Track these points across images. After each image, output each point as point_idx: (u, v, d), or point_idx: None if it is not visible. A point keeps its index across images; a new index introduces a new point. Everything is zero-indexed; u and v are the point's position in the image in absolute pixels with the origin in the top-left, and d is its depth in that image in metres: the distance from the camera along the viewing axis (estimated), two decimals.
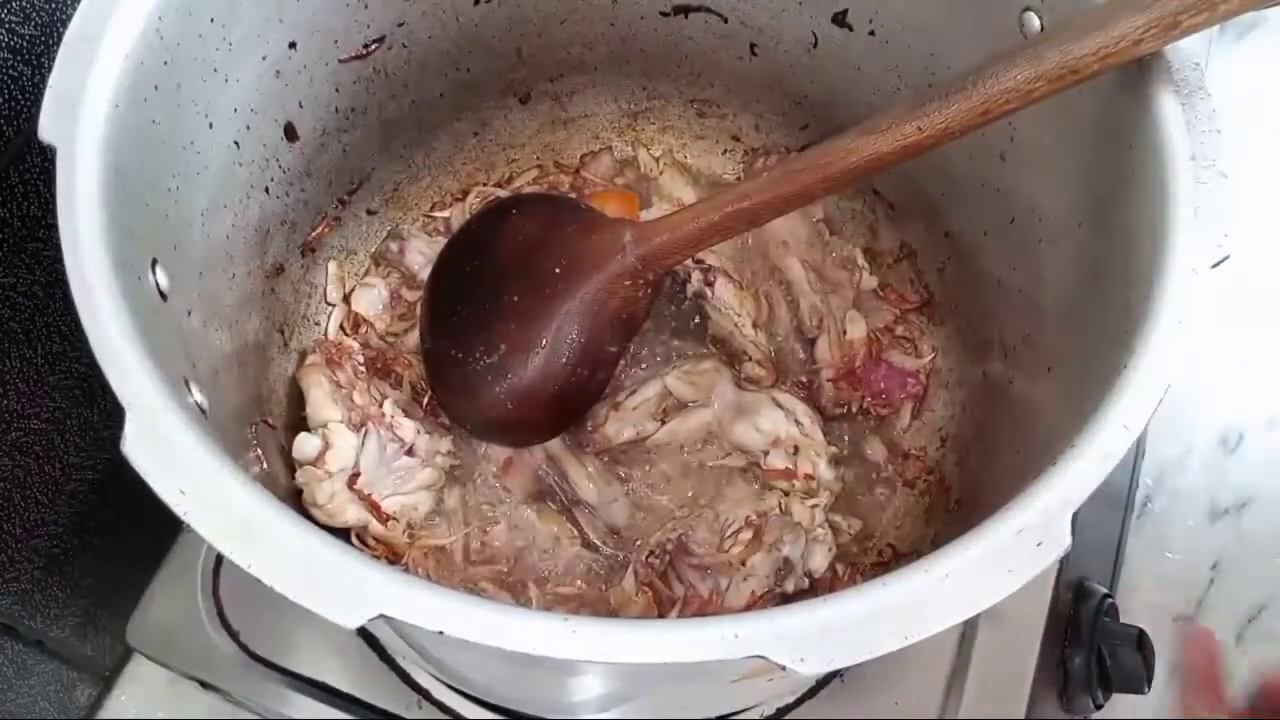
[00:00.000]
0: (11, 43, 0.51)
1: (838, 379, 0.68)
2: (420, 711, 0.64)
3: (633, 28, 0.67)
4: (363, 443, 0.59)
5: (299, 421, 0.62)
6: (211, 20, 0.49)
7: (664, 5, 0.65)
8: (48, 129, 0.41)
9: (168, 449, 0.36)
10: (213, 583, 0.66)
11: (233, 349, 0.55)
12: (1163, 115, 0.44)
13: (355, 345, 0.65)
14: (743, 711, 0.62)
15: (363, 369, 0.64)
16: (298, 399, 0.62)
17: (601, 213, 0.62)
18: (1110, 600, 0.68)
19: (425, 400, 0.66)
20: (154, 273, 0.44)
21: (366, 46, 0.60)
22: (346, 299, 0.69)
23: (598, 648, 0.33)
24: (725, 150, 0.75)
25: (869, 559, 0.65)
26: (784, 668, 0.33)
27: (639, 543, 0.63)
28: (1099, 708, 0.67)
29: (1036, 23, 0.49)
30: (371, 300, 0.68)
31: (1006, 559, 0.36)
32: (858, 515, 0.65)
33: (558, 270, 0.59)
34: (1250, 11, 0.41)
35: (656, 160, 0.76)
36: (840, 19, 0.61)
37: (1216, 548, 0.86)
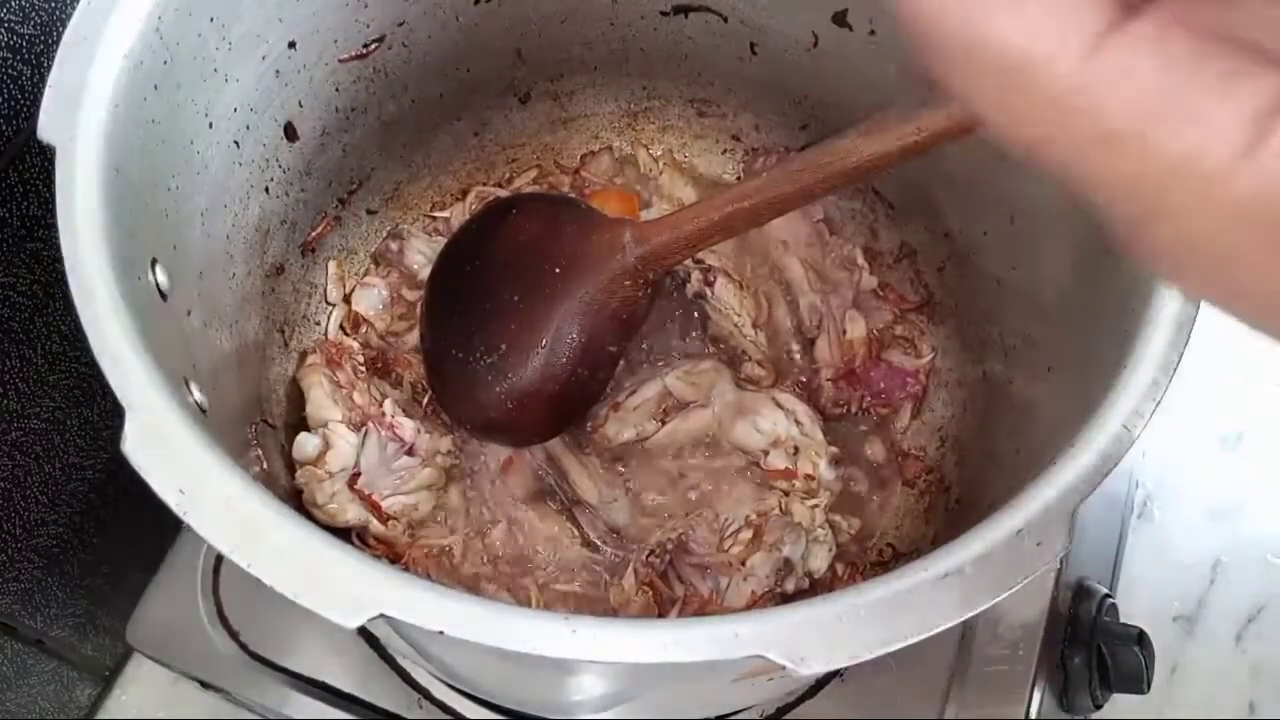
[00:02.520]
0: (11, 42, 0.51)
1: (838, 379, 0.68)
2: (420, 711, 0.64)
3: (633, 27, 0.67)
4: (363, 443, 0.59)
5: (299, 421, 0.62)
6: (211, 20, 0.49)
7: (664, 5, 0.65)
8: (48, 129, 0.41)
9: (168, 449, 0.36)
10: (213, 583, 0.66)
11: (233, 349, 0.55)
12: None
13: (355, 345, 0.65)
14: (742, 711, 0.62)
15: (363, 369, 0.64)
16: (298, 399, 0.62)
17: (601, 213, 0.62)
18: (1110, 600, 0.68)
19: (425, 400, 0.66)
20: (154, 272, 0.44)
21: (366, 46, 0.60)
22: (346, 299, 0.69)
23: (598, 648, 0.33)
24: (725, 150, 0.75)
25: (869, 559, 0.65)
26: (784, 667, 0.33)
27: (639, 543, 0.63)
28: (1099, 707, 0.67)
29: None
30: (371, 300, 0.68)
31: (1006, 559, 0.36)
32: (858, 515, 0.65)
33: (558, 270, 0.59)
34: None
35: (656, 160, 0.76)
36: (840, 19, 0.61)
37: (1216, 548, 0.86)
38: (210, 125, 0.51)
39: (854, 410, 0.68)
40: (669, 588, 0.61)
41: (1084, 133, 0.20)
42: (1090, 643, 0.65)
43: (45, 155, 0.41)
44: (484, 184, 0.74)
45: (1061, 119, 0.20)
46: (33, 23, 0.52)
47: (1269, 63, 0.19)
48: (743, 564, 0.60)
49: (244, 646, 0.65)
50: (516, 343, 0.59)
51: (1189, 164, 0.19)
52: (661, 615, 0.60)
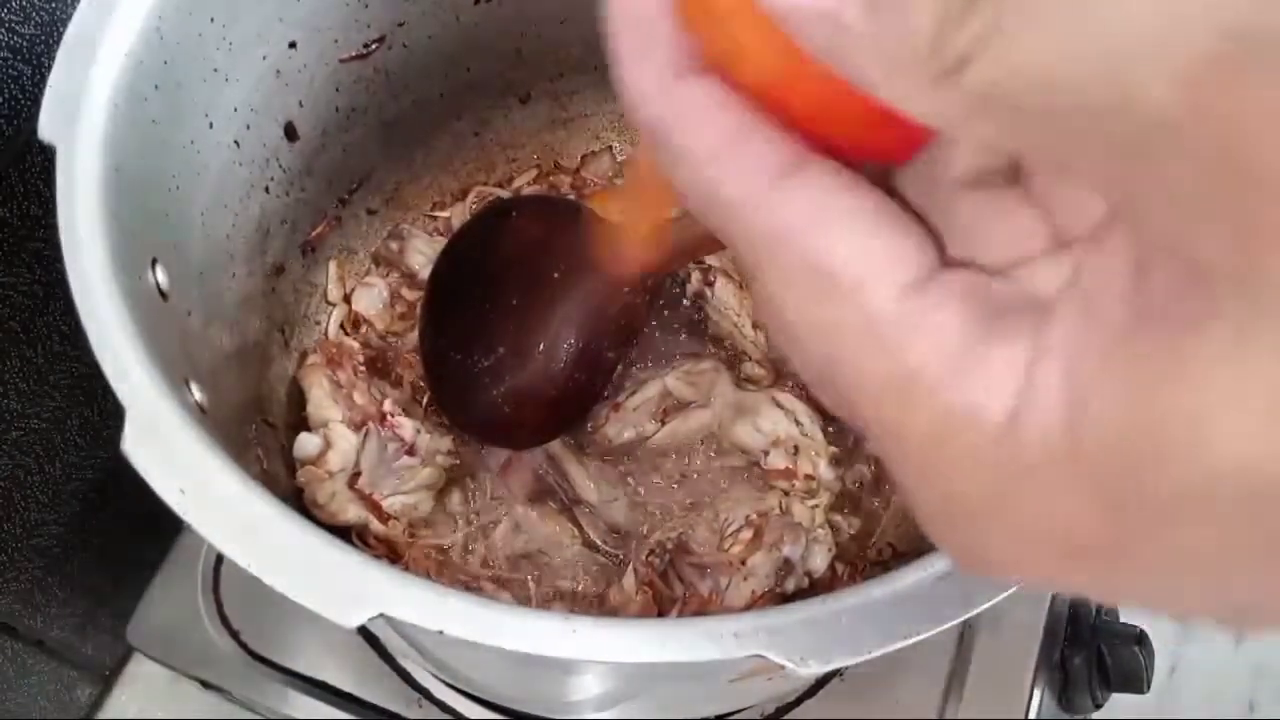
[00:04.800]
0: (11, 42, 0.51)
1: None
2: (421, 711, 0.64)
3: None
4: (363, 442, 0.59)
5: (299, 421, 0.62)
6: (211, 20, 0.49)
7: None
8: (48, 129, 0.41)
9: (168, 449, 0.36)
10: (213, 582, 0.66)
11: (233, 349, 0.55)
12: None
13: (355, 345, 0.65)
14: (742, 711, 0.62)
15: (363, 369, 0.64)
16: (298, 399, 0.62)
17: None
18: None
19: (425, 400, 0.66)
20: (154, 272, 0.44)
21: (366, 46, 0.60)
22: (347, 298, 0.69)
23: (598, 648, 0.34)
24: None
25: (869, 559, 0.65)
26: (784, 667, 0.33)
27: (639, 542, 0.63)
28: (1099, 707, 0.67)
29: None
30: (372, 300, 0.68)
31: None
32: (858, 515, 0.65)
33: (557, 274, 0.59)
34: None
35: None
36: None
37: None
38: (210, 125, 0.51)
39: None
40: (669, 588, 0.61)
41: (879, 369, 0.19)
42: (1090, 643, 0.65)
43: (45, 155, 0.41)
44: (484, 184, 0.74)
45: (866, 347, 0.19)
46: (33, 23, 0.52)
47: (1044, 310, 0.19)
48: (743, 564, 0.60)
49: (244, 646, 0.65)
50: (515, 346, 0.59)
51: (969, 419, 0.18)
52: (661, 615, 0.60)
